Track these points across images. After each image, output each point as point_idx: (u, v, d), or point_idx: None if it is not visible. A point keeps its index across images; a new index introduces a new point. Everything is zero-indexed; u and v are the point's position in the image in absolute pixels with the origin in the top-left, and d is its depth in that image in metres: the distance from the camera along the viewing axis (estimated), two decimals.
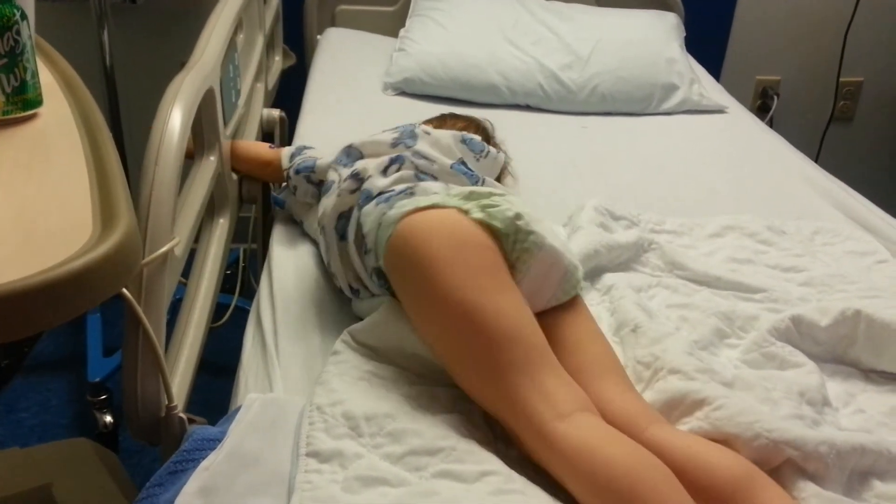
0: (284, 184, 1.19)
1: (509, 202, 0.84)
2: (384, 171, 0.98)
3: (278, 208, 1.25)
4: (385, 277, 0.88)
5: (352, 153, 1.05)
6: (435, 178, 0.98)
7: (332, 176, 1.04)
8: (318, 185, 1.15)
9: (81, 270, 0.41)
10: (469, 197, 0.85)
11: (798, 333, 0.96)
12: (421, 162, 0.99)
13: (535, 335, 0.79)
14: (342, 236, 0.97)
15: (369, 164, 0.99)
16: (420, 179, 0.97)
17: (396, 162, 0.99)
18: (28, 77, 0.69)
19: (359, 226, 0.93)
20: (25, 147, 0.63)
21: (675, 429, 0.79)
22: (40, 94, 0.71)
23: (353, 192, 0.98)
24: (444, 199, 0.85)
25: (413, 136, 1.04)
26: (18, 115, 0.69)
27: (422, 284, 0.81)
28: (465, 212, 0.83)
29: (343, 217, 0.98)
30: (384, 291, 0.91)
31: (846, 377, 0.95)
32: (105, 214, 0.48)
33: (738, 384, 0.86)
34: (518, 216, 0.83)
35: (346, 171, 1.01)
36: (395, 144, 1.03)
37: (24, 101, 0.69)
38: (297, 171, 1.15)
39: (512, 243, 0.83)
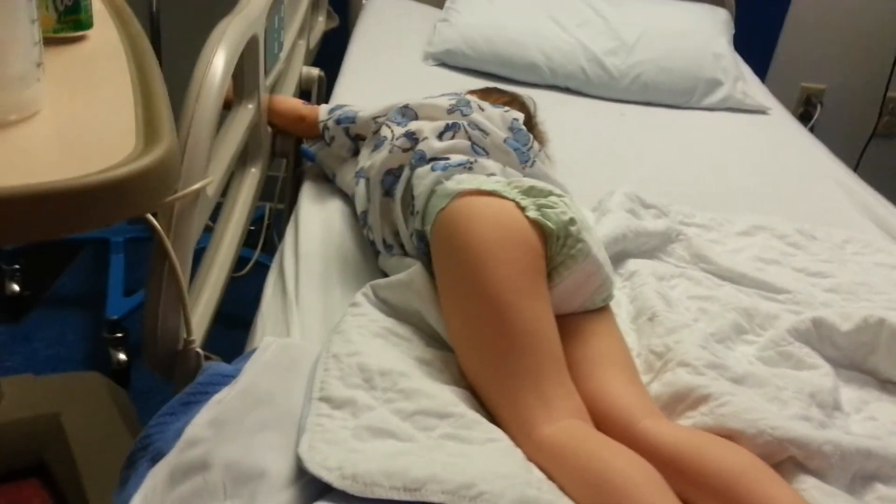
0: (319, 137, 1.20)
1: (566, 204, 0.85)
2: (440, 136, 0.98)
3: (308, 163, 1.25)
4: (425, 241, 0.89)
5: (407, 113, 1.06)
6: (486, 151, 0.99)
7: (384, 132, 1.04)
8: (355, 140, 1.15)
9: (123, 179, 0.42)
10: (528, 192, 0.86)
11: (818, 336, 0.95)
12: (475, 133, 0.99)
13: (552, 346, 0.79)
14: (387, 192, 0.98)
15: (425, 126, 1.00)
16: (475, 152, 0.97)
17: (452, 129, 0.99)
18: None
19: (409, 185, 0.94)
20: (74, 65, 0.64)
21: (672, 422, 0.79)
22: (91, 17, 0.72)
23: (405, 150, 0.98)
24: (504, 189, 0.85)
25: (468, 105, 1.04)
26: (69, 35, 0.70)
27: (462, 266, 0.81)
28: (522, 208, 0.83)
29: (391, 174, 0.98)
30: (420, 254, 0.91)
31: (862, 384, 0.94)
32: (148, 133, 0.48)
33: (748, 380, 0.85)
34: (572, 221, 0.83)
35: (399, 130, 1.01)
36: (451, 111, 1.03)
37: (76, 21, 0.70)
38: (338, 122, 1.15)
39: (560, 247, 0.83)
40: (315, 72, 1.59)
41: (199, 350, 0.82)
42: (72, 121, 0.52)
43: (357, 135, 1.15)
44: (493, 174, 0.93)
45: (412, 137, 0.99)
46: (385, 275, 0.96)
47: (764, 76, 2.23)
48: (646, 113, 1.72)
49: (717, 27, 1.87)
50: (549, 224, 0.82)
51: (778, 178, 1.48)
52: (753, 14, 2.14)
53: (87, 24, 0.72)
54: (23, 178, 0.40)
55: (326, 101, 1.54)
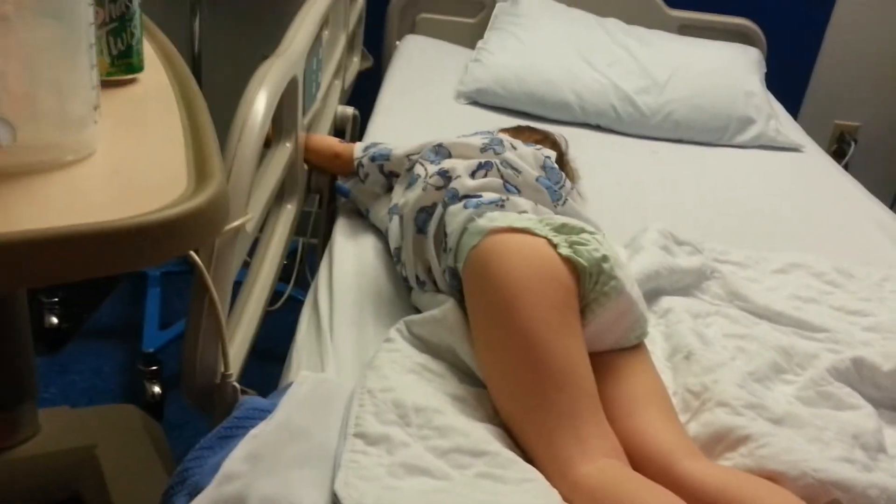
0: (353, 174, 1.22)
1: (598, 242, 0.85)
2: (472, 174, 0.99)
3: (343, 198, 1.27)
4: (458, 278, 0.90)
5: (441, 151, 1.07)
6: (518, 190, 1.00)
7: (418, 170, 1.06)
8: (388, 177, 1.17)
9: (177, 218, 0.43)
10: (560, 230, 0.86)
11: (858, 376, 0.94)
12: (508, 171, 1.01)
13: (587, 383, 0.79)
14: (420, 229, 0.99)
15: (458, 164, 1.01)
16: (507, 190, 0.98)
17: (485, 167, 1.00)
18: (134, 43, 0.73)
19: (442, 223, 0.95)
20: (126, 107, 0.66)
21: (712, 463, 0.78)
22: (142, 61, 0.75)
23: (438, 188, 0.99)
24: (536, 226, 0.85)
25: (501, 144, 1.06)
26: (121, 78, 0.73)
27: (494, 304, 0.81)
28: (554, 245, 0.83)
29: (424, 211, 0.99)
30: (453, 291, 0.92)
31: None
32: (199, 173, 0.50)
33: (788, 421, 0.84)
34: (605, 258, 0.83)
35: (433, 168, 1.03)
36: (484, 149, 1.05)
37: (128, 64, 0.73)
38: (373, 159, 1.18)
39: (593, 284, 0.83)
40: (349, 111, 1.63)
41: (235, 384, 0.83)
42: (125, 161, 0.54)
43: (391, 171, 1.17)
44: (524, 212, 0.94)
45: (445, 175, 1.00)
46: (418, 311, 0.96)
47: (797, 114, 2.23)
48: (678, 150, 1.72)
49: (748, 66, 1.88)
50: (582, 261, 0.82)
51: (813, 215, 1.47)
52: (785, 53, 2.14)
53: (139, 68, 0.75)
54: (81, 218, 0.42)
55: (360, 139, 1.58)
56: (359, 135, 1.65)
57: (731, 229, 1.36)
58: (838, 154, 2.31)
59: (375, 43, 2.13)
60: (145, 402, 1.64)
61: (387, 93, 1.77)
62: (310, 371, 0.86)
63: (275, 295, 1.27)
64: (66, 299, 1.87)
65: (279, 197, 1.21)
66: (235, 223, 0.82)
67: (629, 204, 1.41)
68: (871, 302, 1.14)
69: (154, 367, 1.66)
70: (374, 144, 1.22)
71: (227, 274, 0.83)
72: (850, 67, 2.23)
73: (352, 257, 1.13)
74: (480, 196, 0.95)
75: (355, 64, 2.01)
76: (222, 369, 0.83)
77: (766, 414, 0.83)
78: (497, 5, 2.01)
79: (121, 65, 0.72)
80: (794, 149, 1.78)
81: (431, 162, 1.06)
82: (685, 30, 2.07)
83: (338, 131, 1.64)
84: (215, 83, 1.97)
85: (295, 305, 1.09)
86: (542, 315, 0.79)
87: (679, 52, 1.86)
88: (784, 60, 2.13)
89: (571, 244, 0.84)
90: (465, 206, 0.93)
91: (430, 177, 1.01)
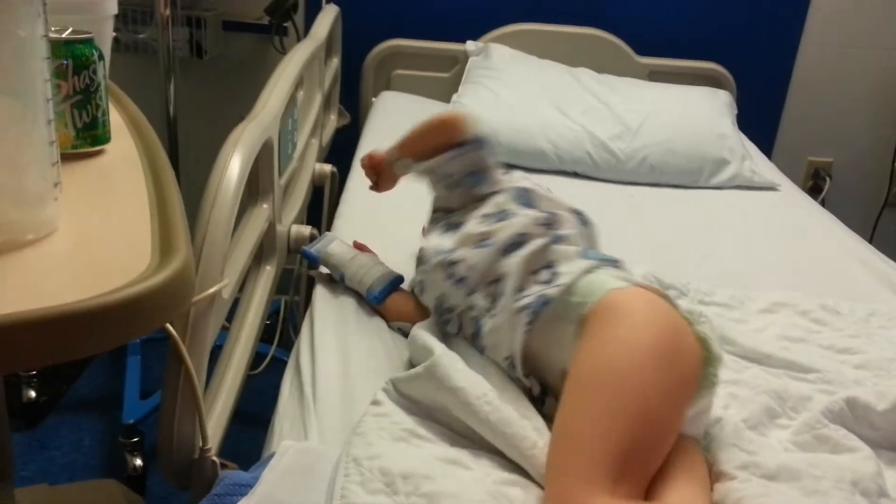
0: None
1: (711, 328, 0.86)
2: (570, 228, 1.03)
3: (319, 266, 1.24)
4: (543, 302, 0.89)
5: (526, 198, 1.07)
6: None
7: (505, 204, 1.05)
8: (456, 186, 1.14)
9: (136, 297, 0.42)
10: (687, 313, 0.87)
11: (853, 416, 0.92)
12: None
13: (658, 463, 0.78)
14: (506, 251, 0.98)
15: (562, 217, 1.04)
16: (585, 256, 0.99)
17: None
18: (99, 115, 0.72)
19: (545, 253, 0.96)
20: (91, 180, 0.65)
21: None
22: (109, 132, 0.74)
23: (540, 225, 1.00)
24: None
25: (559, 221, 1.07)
26: (86, 150, 0.71)
27: (622, 356, 0.80)
28: (689, 322, 0.84)
29: (522, 237, 0.99)
30: (515, 313, 0.90)
31: None
32: (163, 247, 0.49)
33: (783, 475, 0.81)
34: (718, 352, 0.84)
35: (531, 211, 1.03)
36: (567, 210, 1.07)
37: (94, 136, 0.72)
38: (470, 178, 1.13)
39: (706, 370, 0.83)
40: (328, 168, 1.63)
41: (215, 458, 0.80)
42: (88, 237, 0.53)
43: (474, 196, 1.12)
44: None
45: (548, 222, 1.01)
46: (412, 364, 0.94)
47: (770, 152, 2.26)
48: (655, 194, 1.73)
49: (719, 108, 1.90)
50: (713, 348, 0.83)
51: (793, 253, 1.47)
52: (755, 94, 2.19)
53: (105, 140, 0.74)
54: (38, 302, 0.40)
55: (339, 196, 1.57)
56: (338, 190, 1.65)
57: (714, 270, 1.35)
58: (814, 190, 2.33)
59: (352, 100, 2.15)
60: (127, 476, 1.59)
61: (364, 148, 1.77)
62: (292, 440, 0.83)
63: (258, 357, 1.24)
64: (44, 372, 1.82)
65: (258, 259, 1.19)
66: (211, 290, 0.80)
67: (610, 249, 1.40)
68: (859, 339, 1.13)
69: (135, 439, 1.61)
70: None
71: (204, 343, 0.81)
72: (820, 104, 2.27)
73: (333, 317, 1.10)
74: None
75: (332, 121, 2.02)
76: (200, 444, 0.80)
77: (760, 471, 0.80)
78: (469, 59, 2.04)
79: (86, 137, 0.71)
80: (771, 187, 1.79)
81: (518, 203, 1.05)
82: (655, 76, 2.11)
83: (316, 189, 1.63)
84: (192, 147, 1.97)
85: (279, 366, 1.06)
86: (669, 388, 0.78)
87: (650, 97, 1.89)
88: (754, 101, 2.17)
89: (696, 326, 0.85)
90: (586, 256, 0.95)
91: (538, 218, 1.01)
